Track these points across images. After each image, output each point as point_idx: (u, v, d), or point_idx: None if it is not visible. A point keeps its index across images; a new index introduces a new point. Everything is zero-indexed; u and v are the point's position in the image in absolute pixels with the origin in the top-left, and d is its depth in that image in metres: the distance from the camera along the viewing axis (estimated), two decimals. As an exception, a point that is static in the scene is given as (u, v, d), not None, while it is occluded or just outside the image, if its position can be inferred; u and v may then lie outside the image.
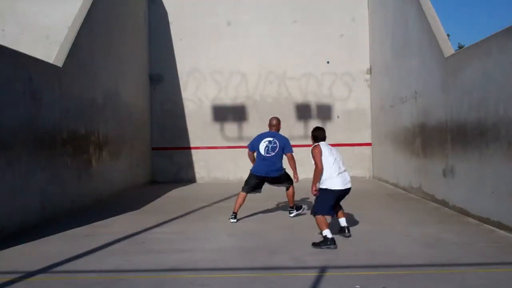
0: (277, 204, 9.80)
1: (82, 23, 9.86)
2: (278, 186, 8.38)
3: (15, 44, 9.09)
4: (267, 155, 7.95)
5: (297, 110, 15.07)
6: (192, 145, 15.17)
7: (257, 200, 10.56)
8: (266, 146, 7.98)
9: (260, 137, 8.14)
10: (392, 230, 7.04)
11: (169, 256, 5.74)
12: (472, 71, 7.66)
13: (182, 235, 6.96)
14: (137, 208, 9.43)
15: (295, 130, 14.94)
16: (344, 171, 6.37)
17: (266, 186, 8.39)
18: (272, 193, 11.90)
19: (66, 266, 5.40)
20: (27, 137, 7.49)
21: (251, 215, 8.54)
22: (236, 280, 4.80)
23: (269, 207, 9.48)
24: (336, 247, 5.91)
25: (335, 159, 6.30)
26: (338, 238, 6.58)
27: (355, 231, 7.00)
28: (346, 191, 6.39)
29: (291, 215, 8.23)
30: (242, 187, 8.22)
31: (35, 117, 7.80)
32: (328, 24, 15.07)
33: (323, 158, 6.23)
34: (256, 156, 8.05)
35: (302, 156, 14.96)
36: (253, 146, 8.14)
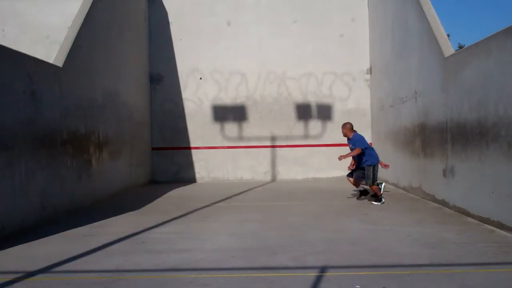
0: (278, 204, 9.79)
1: (82, 23, 9.86)
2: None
3: (15, 44, 9.08)
4: None
5: (297, 110, 15.08)
6: (192, 145, 15.18)
7: (257, 200, 10.56)
8: None
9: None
10: (392, 230, 7.03)
11: (169, 256, 5.74)
12: (472, 71, 7.66)
13: (182, 235, 6.96)
14: (137, 208, 9.43)
15: (295, 130, 14.98)
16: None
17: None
18: (272, 193, 11.91)
19: (66, 266, 5.40)
20: (27, 137, 7.49)
21: (252, 215, 8.54)
22: (236, 280, 4.80)
23: (270, 207, 9.48)
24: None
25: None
26: (340, 239, 6.58)
27: (355, 231, 7.01)
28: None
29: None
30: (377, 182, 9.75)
31: (35, 117, 7.80)
32: (328, 24, 15.09)
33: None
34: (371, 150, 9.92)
35: (302, 155, 15.13)
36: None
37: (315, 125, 15.04)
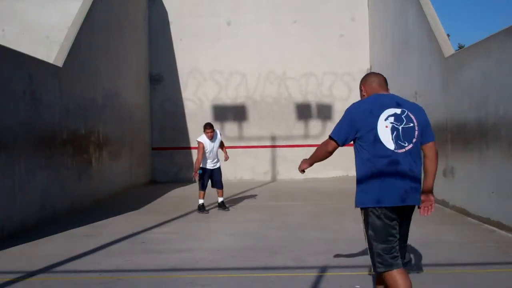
0: (278, 204, 9.78)
1: (82, 23, 9.86)
2: None
3: (15, 44, 9.08)
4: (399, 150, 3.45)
5: (297, 110, 15.07)
6: (192, 145, 15.16)
7: (257, 200, 10.56)
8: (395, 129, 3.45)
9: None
10: (392, 230, 7.02)
11: (169, 256, 5.74)
12: (472, 71, 7.66)
13: (182, 235, 6.96)
14: (137, 208, 9.43)
15: (295, 130, 14.97)
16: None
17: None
18: (272, 193, 11.91)
19: (66, 266, 5.40)
20: (27, 137, 7.49)
21: (252, 215, 8.53)
22: (236, 280, 4.80)
23: (270, 207, 9.48)
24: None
25: None
26: (339, 239, 6.58)
27: (355, 231, 7.00)
28: None
29: None
30: None
31: (35, 117, 7.80)
32: (328, 24, 15.09)
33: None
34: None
35: (302, 155, 15.08)
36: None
37: (315, 125, 15.03)
